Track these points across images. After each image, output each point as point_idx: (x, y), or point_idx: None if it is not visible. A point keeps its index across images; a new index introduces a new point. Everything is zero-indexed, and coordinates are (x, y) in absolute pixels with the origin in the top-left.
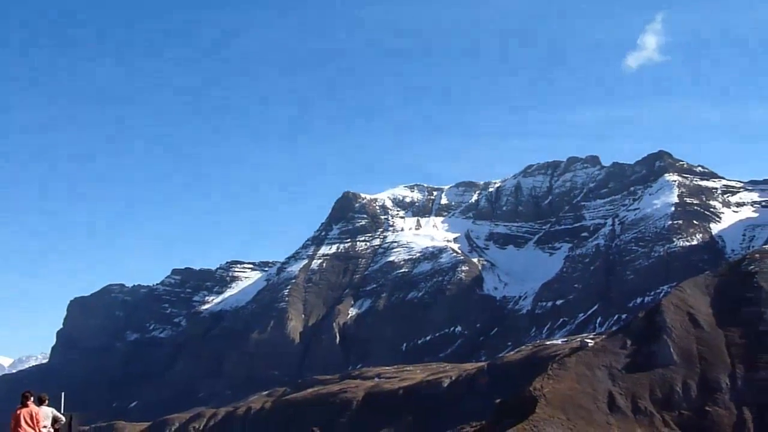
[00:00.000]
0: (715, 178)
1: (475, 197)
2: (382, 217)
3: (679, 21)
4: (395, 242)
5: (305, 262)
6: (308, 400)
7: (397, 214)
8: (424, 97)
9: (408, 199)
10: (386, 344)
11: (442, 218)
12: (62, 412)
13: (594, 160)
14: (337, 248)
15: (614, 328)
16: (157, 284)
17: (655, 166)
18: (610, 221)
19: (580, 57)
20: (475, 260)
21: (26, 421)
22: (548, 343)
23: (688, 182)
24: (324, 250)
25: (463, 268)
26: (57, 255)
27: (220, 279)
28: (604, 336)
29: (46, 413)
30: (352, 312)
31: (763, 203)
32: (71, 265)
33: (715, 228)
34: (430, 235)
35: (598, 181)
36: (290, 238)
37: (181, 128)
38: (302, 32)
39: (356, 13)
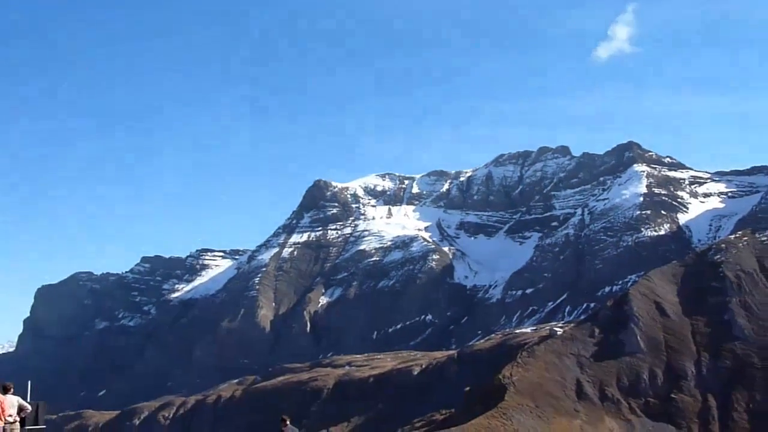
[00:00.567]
0: (683, 168)
1: (446, 186)
2: (354, 205)
3: (650, 12)
4: (366, 231)
5: (276, 250)
6: (278, 389)
7: (369, 202)
8: (396, 86)
9: (379, 188)
10: (357, 333)
11: (413, 207)
12: (29, 400)
13: (564, 150)
14: (308, 236)
15: (583, 317)
16: (126, 272)
17: (625, 156)
18: (579, 211)
19: (551, 47)
20: (445, 249)
21: None
22: (518, 331)
23: (656, 173)
24: (295, 238)
25: (434, 256)
26: (23, 242)
27: (190, 267)
28: (572, 325)
29: (11, 402)
30: (323, 300)
31: (730, 194)
32: (38, 252)
33: (683, 218)
34: (401, 223)
35: (568, 171)
36: (261, 226)
37: (152, 115)
38: (271, 20)
39: (323, 1)
